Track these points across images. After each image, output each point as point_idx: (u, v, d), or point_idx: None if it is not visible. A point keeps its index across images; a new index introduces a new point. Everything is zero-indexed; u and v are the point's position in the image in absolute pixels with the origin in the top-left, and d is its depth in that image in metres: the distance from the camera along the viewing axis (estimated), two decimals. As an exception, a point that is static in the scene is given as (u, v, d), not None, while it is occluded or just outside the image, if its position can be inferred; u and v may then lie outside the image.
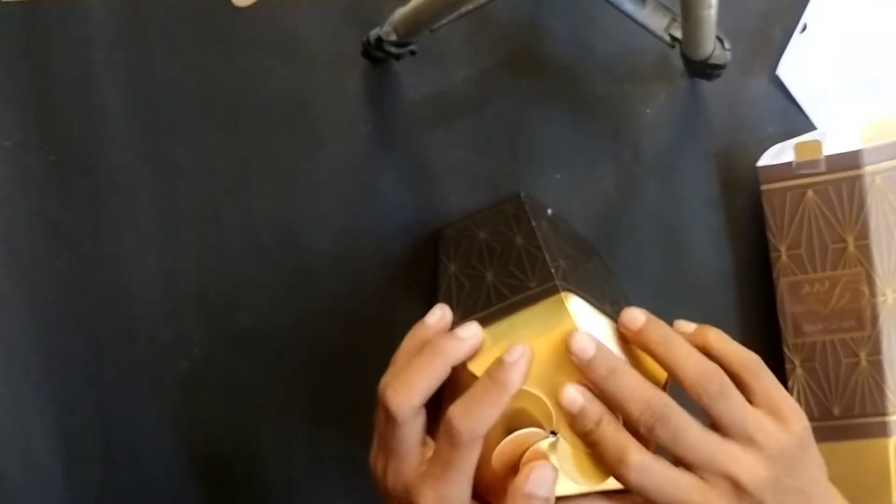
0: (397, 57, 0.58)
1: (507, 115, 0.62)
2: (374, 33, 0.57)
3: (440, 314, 0.49)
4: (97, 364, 0.62)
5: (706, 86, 0.61)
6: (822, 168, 0.59)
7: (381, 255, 0.62)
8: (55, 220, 0.61)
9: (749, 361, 0.47)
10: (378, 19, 0.57)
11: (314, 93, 0.61)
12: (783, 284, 0.60)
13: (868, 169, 0.58)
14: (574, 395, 0.45)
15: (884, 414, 0.59)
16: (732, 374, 0.46)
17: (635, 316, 0.47)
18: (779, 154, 0.60)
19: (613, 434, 0.44)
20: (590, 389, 0.45)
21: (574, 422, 0.45)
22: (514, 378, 0.44)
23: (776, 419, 0.45)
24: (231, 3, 0.61)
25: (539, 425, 0.45)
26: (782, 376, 0.61)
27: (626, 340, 0.47)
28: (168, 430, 0.62)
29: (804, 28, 0.61)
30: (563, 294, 0.46)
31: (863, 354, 0.59)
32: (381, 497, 0.48)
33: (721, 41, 0.56)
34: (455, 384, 0.47)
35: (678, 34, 0.55)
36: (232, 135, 0.61)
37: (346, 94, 0.61)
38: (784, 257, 0.60)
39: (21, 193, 0.61)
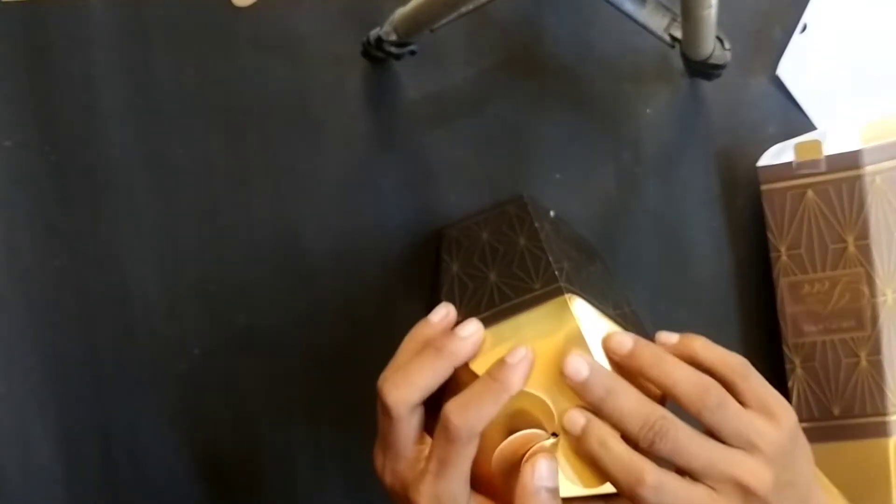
0: (397, 57, 0.58)
1: (507, 115, 0.62)
2: (374, 33, 0.57)
3: (444, 312, 0.49)
4: (97, 364, 0.62)
5: (706, 86, 0.61)
6: (822, 168, 0.59)
7: (381, 255, 0.62)
8: (55, 220, 0.61)
9: (736, 365, 0.47)
10: (378, 19, 0.57)
11: (314, 93, 0.61)
12: (783, 284, 0.60)
13: (868, 169, 0.58)
14: (575, 417, 0.45)
15: (884, 414, 0.59)
16: (721, 379, 0.46)
17: (622, 341, 0.46)
18: (779, 154, 0.60)
19: (624, 456, 0.44)
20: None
21: (577, 444, 0.45)
22: (515, 379, 0.44)
23: (768, 418, 0.45)
24: (231, 3, 0.61)
25: (541, 426, 0.45)
26: (782, 376, 0.61)
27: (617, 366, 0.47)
28: (168, 430, 0.62)
29: (804, 28, 0.61)
30: (566, 296, 0.46)
31: (863, 354, 0.59)
32: (385, 492, 0.48)
33: (721, 41, 0.56)
34: (456, 383, 0.47)
35: (678, 34, 0.55)
36: (232, 135, 0.61)
37: (346, 94, 0.61)
38: (784, 257, 0.60)
39: (21, 193, 0.61)
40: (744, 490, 0.44)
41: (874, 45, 0.61)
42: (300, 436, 0.63)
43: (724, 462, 0.44)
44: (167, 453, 0.63)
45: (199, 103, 0.61)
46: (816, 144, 0.59)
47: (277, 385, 0.62)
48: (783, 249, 0.60)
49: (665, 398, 0.46)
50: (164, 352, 0.62)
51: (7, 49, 0.60)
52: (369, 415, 0.48)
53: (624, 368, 0.46)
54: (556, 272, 0.48)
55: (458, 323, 0.48)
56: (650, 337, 0.49)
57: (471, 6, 0.54)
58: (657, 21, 0.55)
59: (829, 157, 0.59)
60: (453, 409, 0.44)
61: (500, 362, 0.45)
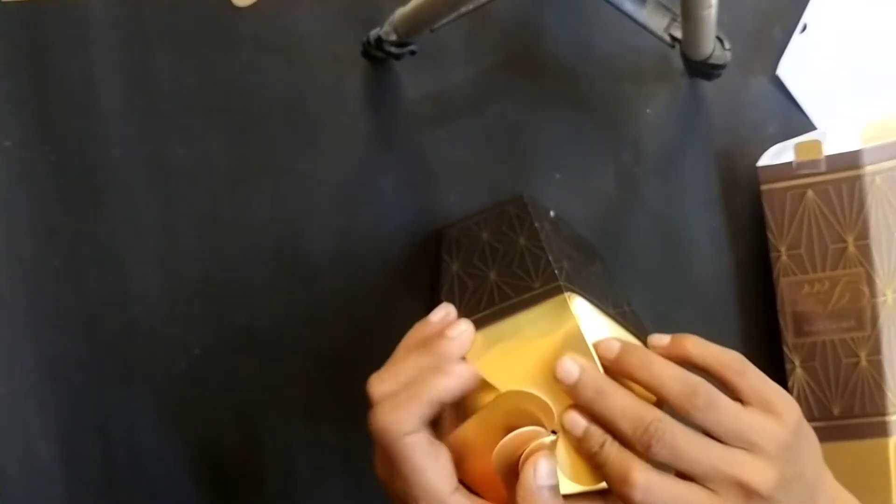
0: (397, 57, 0.58)
1: (507, 115, 0.62)
2: (374, 33, 0.57)
3: (444, 313, 0.49)
4: (97, 364, 0.62)
5: (706, 86, 0.61)
6: (822, 168, 0.59)
7: (382, 255, 0.62)
8: (55, 220, 0.61)
9: (732, 361, 0.47)
10: (378, 19, 0.57)
11: (314, 92, 0.61)
12: (783, 284, 0.60)
13: (868, 169, 0.58)
14: (577, 418, 0.45)
15: (884, 414, 0.59)
16: (718, 378, 0.46)
17: (609, 345, 0.46)
18: (779, 154, 0.60)
19: (617, 454, 0.44)
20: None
21: (579, 445, 0.45)
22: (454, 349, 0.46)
23: (770, 414, 0.45)
24: (231, 3, 0.61)
25: (540, 424, 0.45)
26: (782, 376, 0.61)
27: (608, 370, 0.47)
28: (168, 430, 0.62)
29: (804, 28, 0.61)
30: (566, 294, 0.46)
31: (863, 354, 0.59)
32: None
33: (721, 41, 0.56)
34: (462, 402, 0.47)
35: (678, 34, 0.55)
36: (232, 135, 0.61)
37: (346, 94, 0.61)
38: (784, 257, 0.60)
39: (21, 193, 0.61)
40: (746, 490, 0.43)
41: (874, 45, 0.61)
42: (300, 436, 0.63)
43: (724, 463, 0.44)
44: (167, 453, 0.63)
45: (199, 103, 0.61)
46: (816, 144, 0.59)
47: (277, 385, 0.62)
48: (783, 249, 0.60)
49: (661, 404, 0.46)
50: (164, 352, 0.62)
51: (7, 49, 0.60)
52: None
53: (618, 375, 0.46)
54: (556, 271, 0.48)
55: None
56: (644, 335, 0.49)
57: (471, 6, 0.54)
58: (657, 21, 0.55)
59: (829, 157, 0.59)
60: (380, 405, 0.45)
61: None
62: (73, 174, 0.61)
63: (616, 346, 0.46)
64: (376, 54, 0.58)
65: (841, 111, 0.61)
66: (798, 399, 0.60)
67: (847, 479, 0.55)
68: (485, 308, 0.48)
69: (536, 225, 0.54)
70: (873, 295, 0.59)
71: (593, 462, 0.44)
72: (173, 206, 0.61)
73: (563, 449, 0.45)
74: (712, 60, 0.56)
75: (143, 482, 0.63)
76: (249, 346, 0.62)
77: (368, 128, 0.62)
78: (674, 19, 0.55)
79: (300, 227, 0.62)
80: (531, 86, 0.62)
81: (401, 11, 0.55)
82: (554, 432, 0.45)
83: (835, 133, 0.60)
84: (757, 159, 0.61)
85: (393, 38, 0.56)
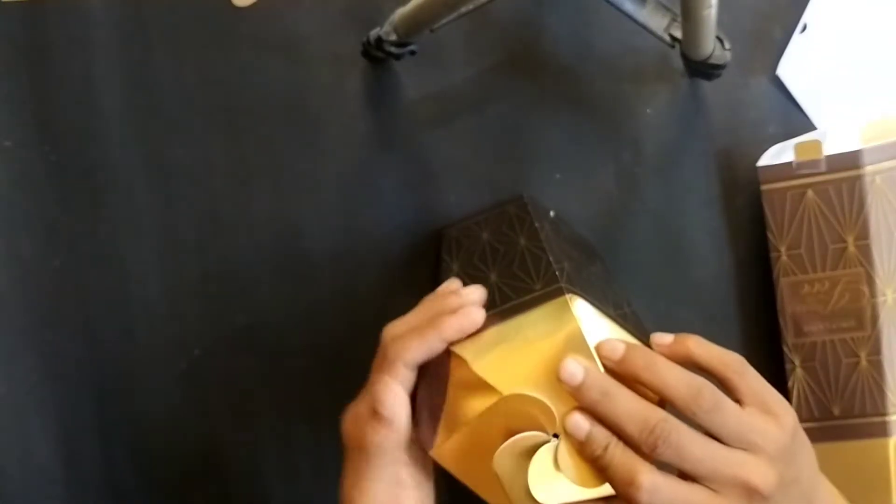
0: (397, 57, 0.58)
1: (507, 115, 0.62)
2: (374, 33, 0.57)
3: (455, 286, 0.51)
4: (97, 364, 0.62)
5: (706, 86, 0.61)
6: (822, 168, 0.59)
7: (381, 255, 0.62)
8: (55, 220, 0.61)
9: (733, 362, 0.47)
10: (378, 19, 0.57)
11: (314, 93, 0.61)
12: (783, 284, 0.60)
13: (868, 169, 0.58)
14: (579, 421, 0.45)
15: (884, 414, 0.59)
16: (718, 378, 0.46)
17: (614, 347, 0.46)
18: (779, 154, 0.60)
19: (621, 457, 0.44)
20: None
21: (581, 448, 0.45)
22: (448, 327, 0.48)
23: (768, 416, 0.45)
24: (231, 3, 0.61)
25: (541, 428, 0.45)
26: (782, 376, 0.61)
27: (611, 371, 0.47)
28: (168, 430, 0.62)
29: (804, 28, 0.61)
30: (567, 296, 0.46)
31: (863, 354, 0.59)
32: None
33: (721, 41, 0.56)
34: (459, 383, 0.47)
35: (678, 34, 0.55)
36: (232, 135, 0.61)
37: (346, 94, 0.61)
38: (784, 257, 0.60)
39: (21, 193, 0.61)
40: (749, 491, 0.43)
41: (874, 45, 0.61)
42: (300, 436, 0.63)
43: (728, 464, 0.44)
44: (167, 453, 0.63)
45: (199, 103, 0.61)
46: (816, 144, 0.59)
47: (277, 385, 0.62)
48: (783, 249, 0.60)
49: (664, 403, 0.46)
50: (164, 352, 0.62)
51: (7, 49, 0.60)
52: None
53: (620, 375, 0.46)
54: (557, 272, 0.48)
55: None
56: (649, 337, 0.49)
57: (471, 6, 0.54)
58: (657, 21, 0.55)
59: (829, 157, 0.59)
60: (392, 341, 0.48)
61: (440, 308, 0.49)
62: (73, 174, 0.61)
63: (621, 347, 0.46)
64: (376, 54, 0.58)
65: (841, 111, 0.61)
66: (798, 399, 0.60)
67: (847, 479, 0.55)
68: (486, 309, 0.48)
69: (537, 225, 0.54)
70: (873, 295, 0.59)
71: (597, 465, 0.44)
72: (173, 206, 0.61)
73: (565, 453, 0.45)
74: (712, 60, 0.56)
75: (143, 482, 0.63)
76: (249, 346, 0.62)
77: (368, 128, 0.62)
78: (674, 19, 0.55)
79: (300, 227, 0.62)
80: (531, 86, 0.62)
81: (401, 11, 0.55)
82: (555, 436, 0.45)
83: (835, 133, 0.60)
84: (757, 159, 0.61)
85: (393, 38, 0.56)
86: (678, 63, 0.59)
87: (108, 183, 0.61)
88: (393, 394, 0.47)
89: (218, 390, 0.62)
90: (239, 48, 0.61)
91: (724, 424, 0.44)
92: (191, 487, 0.63)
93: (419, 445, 0.48)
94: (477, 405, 0.46)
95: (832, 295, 0.59)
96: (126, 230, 0.61)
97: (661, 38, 0.55)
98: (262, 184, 0.62)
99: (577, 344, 0.46)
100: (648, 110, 0.62)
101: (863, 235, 0.59)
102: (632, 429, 0.44)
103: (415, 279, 0.62)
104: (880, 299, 0.59)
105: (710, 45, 0.55)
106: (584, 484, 0.45)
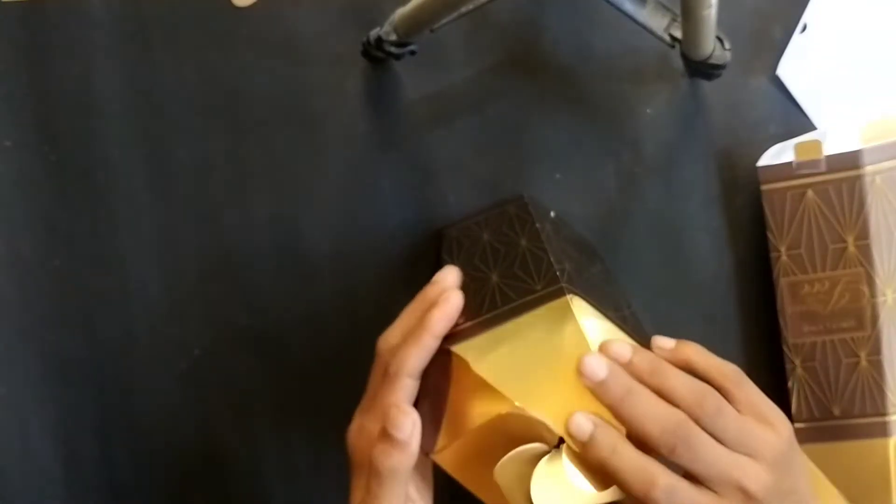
0: (397, 57, 0.58)
1: (507, 115, 0.62)
2: (374, 33, 0.57)
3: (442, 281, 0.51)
4: (97, 364, 0.62)
5: (706, 86, 0.61)
6: (822, 168, 0.59)
7: (381, 255, 0.62)
8: (55, 220, 0.61)
9: (731, 372, 0.47)
10: (378, 19, 0.57)
11: (314, 93, 0.61)
12: (783, 284, 0.60)
13: (868, 169, 0.58)
14: (582, 422, 0.44)
15: (884, 414, 0.59)
16: (716, 387, 0.46)
17: (620, 350, 0.46)
18: (779, 154, 0.60)
19: (636, 459, 0.43)
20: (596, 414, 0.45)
21: (585, 450, 0.44)
22: (437, 323, 0.48)
23: (765, 425, 0.46)
24: (231, 3, 0.61)
25: (542, 440, 0.45)
26: (782, 376, 0.61)
27: None
28: (168, 430, 0.62)
29: (804, 28, 0.61)
30: (568, 297, 0.46)
31: (863, 354, 0.59)
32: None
33: (721, 41, 0.56)
34: (462, 385, 0.47)
35: (678, 34, 0.55)
36: (232, 135, 0.61)
37: (346, 94, 0.61)
38: (784, 257, 0.60)
39: (21, 193, 0.61)
40: (745, 494, 0.44)
41: (874, 45, 0.61)
42: (300, 436, 0.63)
43: (731, 467, 0.44)
44: (167, 453, 0.63)
45: (199, 103, 0.61)
46: (816, 144, 0.59)
47: (277, 385, 0.62)
48: (783, 249, 0.60)
49: None
50: (165, 352, 0.62)
51: (7, 49, 0.60)
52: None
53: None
54: (558, 273, 0.48)
55: (459, 325, 0.49)
56: (650, 338, 0.49)
57: (471, 6, 0.54)
58: (657, 21, 0.55)
59: (829, 157, 0.59)
60: (389, 353, 0.48)
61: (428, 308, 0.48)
62: (73, 174, 0.61)
63: (628, 351, 0.46)
64: (376, 54, 0.58)
65: (841, 111, 0.61)
66: (798, 399, 0.60)
67: (847, 479, 0.55)
68: (487, 310, 0.48)
69: (538, 226, 0.54)
70: (873, 295, 0.59)
71: (603, 468, 0.44)
72: (173, 206, 0.61)
73: (568, 457, 0.45)
74: (712, 60, 0.56)
75: (142, 482, 0.63)
76: (249, 346, 0.62)
77: (368, 128, 0.62)
78: (674, 19, 0.55)
79: (300, 227, 0.62)
80: (531, 86, 0.62)
81: (401, 11, 0.55)
82: (557, 446, 0.45)
83: (835, 133, 0.60)
84: (757, 159, 0.61)
85: (393, 38, 0.56)
86: (678, 63, 0.59)
87: (108, 183, 0.61)
88: (408, 418, 0.46)
89: (218, 390, 0.62)
90: (239, 48, 0.61)
91: (727, 429, 0.45)
92: (191, 487, 0.63)
93: (422, 451, 0.48)
94: (479, 407, 0.46)
95: (832, 295, 0.59)
96: (126, 230, 0.61)
97: (661, 38, 0.55)
98: (262, 184, 0.61)
99: (577, 345, 0.45)
100: (648, 110, 0.62)
101: (863, 235, 0.59)
102: (652, 428, 0.44)
103: (415, 279, 0.62)
104: (880, 299, 0.59)
105: (710, 45, 0.55)
106: (592, 485, 0.44)
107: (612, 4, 0.55)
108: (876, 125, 0.60)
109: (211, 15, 0.60)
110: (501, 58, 0.61)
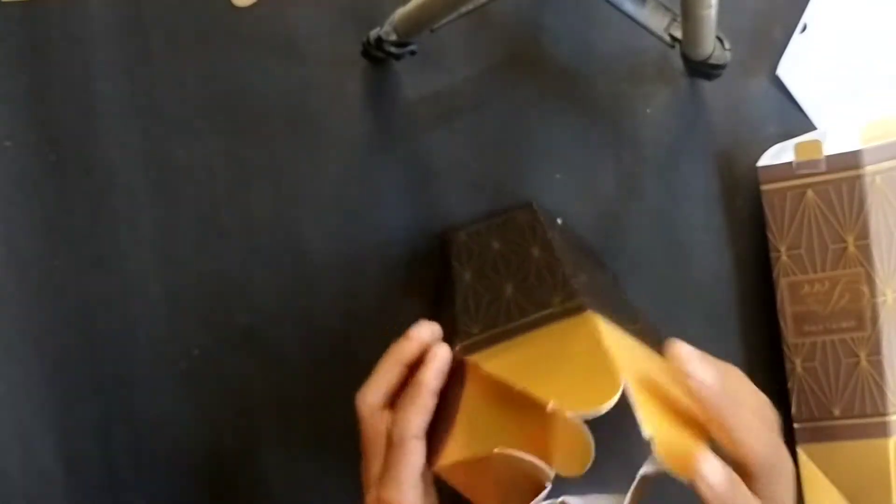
0: (397, 57, 0.58)
1: (507, 116, 0.62)
2: (374, 33, 0.57)
3: (423, 331, 0.50)
4: (97, 364, 0.62)
5: (706, 86, 0.61)
6: (822, 168, 0.59)
7: (382, 255, 0.62)
8: (55, 220, 0.61)
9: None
10: (378, 19, 0.57)
11: (314, 93, 0.61)
12: (783, 284, 0.60)
13: (868, 169, 0.58)
14: (715, 470, 0.43)
15: (884, 414, 0.59)
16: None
17: (709, 377, 0.45)
18: (779, 154, 0.60)
19: (738, 485, 0.44)
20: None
21: (713, 494, 0.43)
22: (431, 378, 0.47)
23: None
24: (231, 3, 0.61)
25: (535, 477, 0.45)
26: (782, 376, 0.61)
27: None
28: (168, 430, 0.62)
29: (804, 28, 0.61)
30: (588, 312, 0.46)
31: (863, 354, 0.59)
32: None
33: (721, 41, 0.56)
34: (471, 395, 0.46)
35: (678, 34, 0.55)
36: (232, 135, 0.61)
37: (346, 94, 0.61)
38: (784, 257, 0.60)
39: (21, 193, 0.61)
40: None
41: (874, 45, 0.61)
42: (300, 436, 0.63)
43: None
44: (167, 453, 0.63)
45: (199, 103, 0.61)
46: (816, 144, 0.59)
47: (277, 385, 0.62)
48: (783, 249, 0.60)
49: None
50: (164, 352, 0.62)
51: (7, 49, 0.60)
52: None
53: (654, 385, 0.45)
54: (575, 287, 0.48)
55: (475, 335, 0.49)
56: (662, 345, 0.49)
57: (471, 6, 0.54)
58: (657, 21, 0.55)
59: (829, 157, 0.59)
60: (367, 409, 0.48)
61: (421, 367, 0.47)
62: (73, 174, 0.61)
63: (716, 382, 0.45)
64: (376, 54, 0.58)
65: (841, 111, 0.61)
66: (798, 399, 0.60)
67: (847, 479, 0.55)
68: (503, 323, 0.48)
69: (549, 235, 0.53)
70: (873, 295, 0.59)
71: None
72: (173, 206, 0.61)
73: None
74: (712, 60, 0.56)
75: (143, 482, 0.63)
76: (249, 346, 0.62)
77: (368, 128, 0.62)
78: (674, 19, 0.55)
79: (300, 228, 0.62)
80: (531, 86, 0.62)
81: (401, 11, 0.55)
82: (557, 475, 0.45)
83: (835, 133, 0.60)
84: (757, 159, 0.61)
85: (393, 38, 0.56)
86: (678, 63, 0.59)
87: (108, 183, 0.61)
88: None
89: (217, 390, 0.62)
90: (239, 48, 0.61)
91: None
92: (191, 487, 0.63)
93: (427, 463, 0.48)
94: (492, 421, 0.46)
95: (832, 295, 0.59)
96: (126, 230, 0.61)
97: (661, 38, 0.55)
98: (262, 184, 0.62)
99: (599, 359, 0.44)
100: (648, 110, 0.62)
101: (863, 235, 0.59)
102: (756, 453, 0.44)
103: (415, 279, 0.62)
104: (880, 299, 0.59)
105: (710, 45, 0.55)
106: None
107: (612, 4, 0.55)
108: (876, 125, 0.60)
109: (211, 15, 0.60)
110: (501, 58, 0.61)
